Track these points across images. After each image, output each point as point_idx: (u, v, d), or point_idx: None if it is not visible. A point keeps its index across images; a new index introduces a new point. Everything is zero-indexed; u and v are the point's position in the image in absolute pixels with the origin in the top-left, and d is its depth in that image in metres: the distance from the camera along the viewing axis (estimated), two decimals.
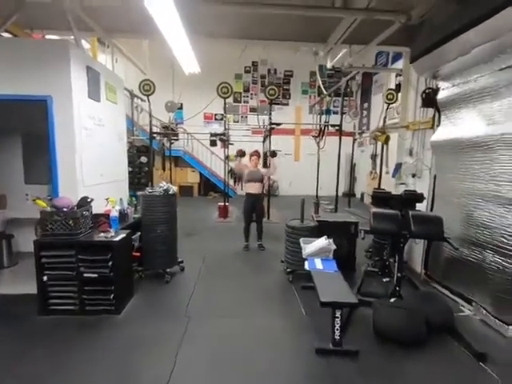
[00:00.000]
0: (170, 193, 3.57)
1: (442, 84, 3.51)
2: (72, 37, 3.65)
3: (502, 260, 2.62)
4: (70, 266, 2.77)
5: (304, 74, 12.61)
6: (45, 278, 2.77)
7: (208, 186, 12.18)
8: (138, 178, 12.01)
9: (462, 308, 3.12)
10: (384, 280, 3.71)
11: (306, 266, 3.04)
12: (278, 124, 7.15)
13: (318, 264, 3.03)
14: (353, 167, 10.65)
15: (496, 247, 2.71)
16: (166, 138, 9.22)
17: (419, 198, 3.42)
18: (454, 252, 3.25)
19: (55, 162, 3.11)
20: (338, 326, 2.33)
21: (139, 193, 3.67)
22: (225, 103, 6.93)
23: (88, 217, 3.00)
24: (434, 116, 3.74)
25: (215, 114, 12.40)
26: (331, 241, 3.30)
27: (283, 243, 4.76)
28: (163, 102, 9.23)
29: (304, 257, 3.28)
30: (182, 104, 12.22)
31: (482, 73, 2.89)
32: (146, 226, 3.60)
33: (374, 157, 7.64)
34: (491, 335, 2.70)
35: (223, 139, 7.12)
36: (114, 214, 3.21)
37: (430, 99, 3.63)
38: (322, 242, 3.29)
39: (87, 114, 3.29)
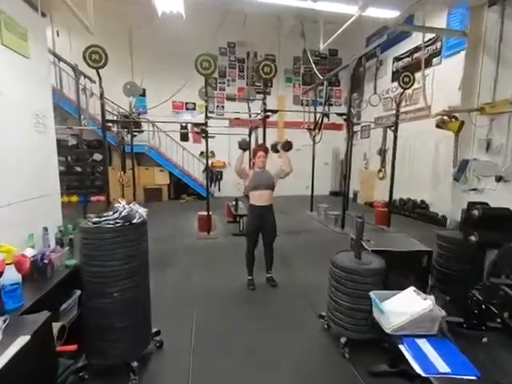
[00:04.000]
0: (136, 221, 1.91)
1: None
2: None
3: None
4: None
5: (287, 60, 11.23)
6: None
7: (180, 187, 10.34)
8: (92, 180, 9.81)
9: None
10: (483, 340, 2.42)
11: (414, 364, 1.59)
12: (275, 111, 5.69)
13: (434, 358, 1.61)
14: (349, 163, 9.52)
15: None
16: (125, 130, 7.28)
17: None
18: None
19: None
20: None
21: (81, 225, 1.94)
22: (206, 82, 5.25)
23: None
24: None
25: (186, 103, 10.54)
26: (433, 299, 1.90)
27: (296, 268, 3.48)
28: (120, 87, 7.28)
29: (390, 332, 1.85)
30: (144, 90, 10.22)
31: None
32: (90, 285, 1.90)
33: (383, 152, 6.50)
34: None
35: (204, 130, 5.44)
36: (11, 277, 1.49)
37: None
38: (418, 302, 1.88)
39: None
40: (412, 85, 5.87)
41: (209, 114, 5.49)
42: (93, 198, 9.17)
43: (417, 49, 8.02)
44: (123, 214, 1.83)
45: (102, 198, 9.90)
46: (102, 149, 9.63)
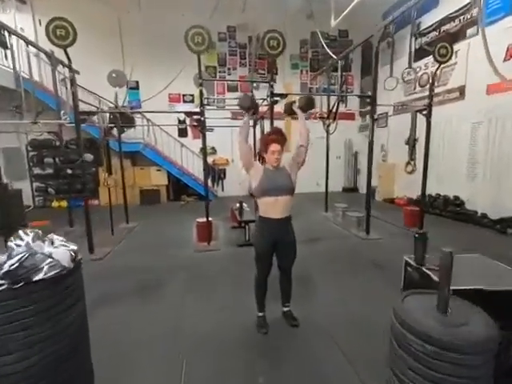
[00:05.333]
0: (44, 277, 1.00)
1: None
2: None
3: None
4: None
5: (293, 44, 10.17)
6: None
7: (180, 188, 9.47)
8: (82, 182, 8.94)
9: None
10: None
11: None
12: (284, 95, 4.72)
13: None
14: (370, 155, 8.44)
15: None
16: (113, 125, 6.39)
17: None
18: None
19: None
20: None
21: None
22: (199, 61, 4.29)
23: None
24: None
25: (183, 95, 9.61)
26: None
27: (320, 291, 2.71)
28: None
29: None
30: (137, 83, 9.32)
31: None
32: None
33: (412, 141, 5.49)
34: None
35: (200, 121, 4.51)
36: None
37: None
38: None
39: None
40: (450, 58, 4.84)
41: (207, 104, 4.59)
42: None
43: (445, 20, 6.92)
44: (7, 267, 0.91)
45: (95, 202, 9.13)
46: (93, 149, 8.80)
